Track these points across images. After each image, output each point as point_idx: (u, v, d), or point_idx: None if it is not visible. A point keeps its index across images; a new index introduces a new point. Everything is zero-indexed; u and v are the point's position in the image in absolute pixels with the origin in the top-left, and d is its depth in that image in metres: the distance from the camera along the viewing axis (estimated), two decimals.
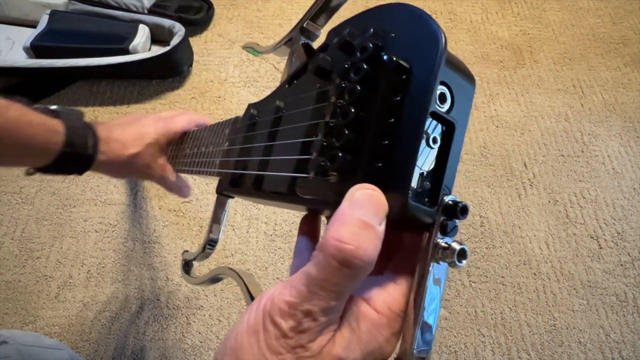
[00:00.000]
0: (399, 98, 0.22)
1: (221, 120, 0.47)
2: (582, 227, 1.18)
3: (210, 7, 1.56)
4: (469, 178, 1.25)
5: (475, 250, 1.14)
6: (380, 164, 0.22)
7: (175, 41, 1.35)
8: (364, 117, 0.22)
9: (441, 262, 0.22)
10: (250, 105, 0.40)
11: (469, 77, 0.24)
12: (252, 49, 0.53)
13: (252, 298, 0.39)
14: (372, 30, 0.25)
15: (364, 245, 0.19)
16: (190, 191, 0.69)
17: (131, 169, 0.58)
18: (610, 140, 1.33)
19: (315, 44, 0.35)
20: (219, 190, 0.41)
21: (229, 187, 0.39)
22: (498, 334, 1.03)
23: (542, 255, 1.14)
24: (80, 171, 0.56)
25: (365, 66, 0.23)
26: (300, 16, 0.41)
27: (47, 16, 1.40)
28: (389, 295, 0.22)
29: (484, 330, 1.04)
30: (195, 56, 1.45)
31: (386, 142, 0.22)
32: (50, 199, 1.19)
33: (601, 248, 1.15)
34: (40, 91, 1.38)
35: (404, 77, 0.22)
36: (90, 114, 1.36)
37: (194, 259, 0.55)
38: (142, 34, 1.37)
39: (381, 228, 0.20)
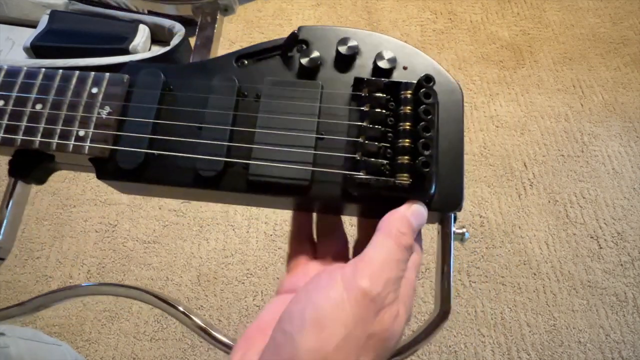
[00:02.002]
0: (435, 119, 0.30)
1: (33, 67, 0.34)
2: (582, 227, 1.18)
3: None
4: (469, 178, 1.25)
5: (475, 250, 1.14)
6: (435, 168, 0.29)
7: (175, 41, 1.35)
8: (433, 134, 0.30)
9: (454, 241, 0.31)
10: (150, 70, 0.33)
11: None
12: None
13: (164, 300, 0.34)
14: (392, 61, 0.32)
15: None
16: None
17: None
18: (610, 140, 1.33)
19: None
20: (104, 176, 0.31)
21: (130, 174, 0.31)
22: (498, 334, 1.03)
23: (542, 255, 1.14)
24: None
25: (430, 90, 0.30)
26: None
27: (47, 16, 1.40)
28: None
29: (484, 330, 1.04)
30: None
31: (436, 152, 0.30)
32: (50, 199, 1.19)
33: (601, 248, 1.15)
34: None
35: (436, 104, 0.31)
36: None
37: None
38: (142, 34, 1.37)
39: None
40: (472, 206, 1.20)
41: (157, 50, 1.34)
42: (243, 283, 1.09)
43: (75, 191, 1.21)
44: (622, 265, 1.12)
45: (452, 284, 0.30)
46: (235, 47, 1.51)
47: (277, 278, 1.09)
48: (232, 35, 1.53)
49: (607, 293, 1.08)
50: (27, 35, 1.38)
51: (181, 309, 0.35)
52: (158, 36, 1.45)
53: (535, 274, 1.11)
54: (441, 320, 0.29)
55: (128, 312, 1.04)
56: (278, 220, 1.17)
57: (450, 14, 1.61)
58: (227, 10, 0.40)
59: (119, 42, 1.35)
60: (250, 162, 0.30)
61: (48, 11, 1.42)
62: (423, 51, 0.33)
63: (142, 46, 1.37)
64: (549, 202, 1.21)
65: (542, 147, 1.31)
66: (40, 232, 1.14)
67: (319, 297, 0.25)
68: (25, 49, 1.36)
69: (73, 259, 1.11)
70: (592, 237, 1.16)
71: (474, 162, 1.28)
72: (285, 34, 0.35)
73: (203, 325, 0.36)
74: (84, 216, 1.17)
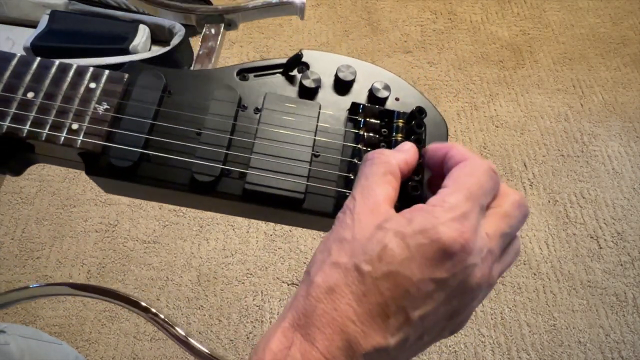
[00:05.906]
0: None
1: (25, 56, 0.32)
2: (582, 227, 1.18)
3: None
4: None
5: None
6: (423, 192, 0.30)
7: (175, 41, 1.34)
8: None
9: None
10: (152, 71, 0.33)
11: None
12: None
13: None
14: (387, 90, 0.34)
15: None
16: None
17: None
18: (610, 140, 1.33)
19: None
20: (94, 173, 0.30)
21: (122, 173, 0.30)
22: (498, 334, 1.03)
23: (542, 255, 1.14)
24: None
25: (422, 121, 0.32)
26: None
27: (47, 16, 1.40)
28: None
29: (484, 330, 1.04)
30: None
31: (424, 178, 0.30)
32: (50, 199, 1.19)
33: (601, 248, 1.15)
34: None
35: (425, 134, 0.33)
36: None
37: None
38: (142, 34, 1.37)
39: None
40: None
41: (157, 50, 1.33)
42: (243, 283, 1.09)
43: (75, 191, 1.21)
44: (622, 265, 1.12)
45: None
46: (236, 47, 1.51)
47: (277, 278, 1.09)
48: (232, 36, 1.53)
49: (607, 293, 1.08)
50: (27, 35, 1.37)
51: (143, 303, 0.36)
52: (158, 36, 1.44)
53: (535, 274, 1.11)
54: None
55: (128, 312, 1.04)
56: None
57: (450, 14, 1.61)
58: (230, 25, 0.41)
59: (119, 42, 1.35)
60: (248, 171, 0.30)
61: (48, 11, 1.42)
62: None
63: (142, 46, 1.37)
64: (549, 202, 1.21)
65: (542, 147, 1.31)
66: (40, 232, 1.14)
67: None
68: (25, 49, 1.35)
69: (73, 259, 1.11)
70: (592, 237, 1.16)
71: None
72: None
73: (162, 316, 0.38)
74: (84, 216, 1.17)
